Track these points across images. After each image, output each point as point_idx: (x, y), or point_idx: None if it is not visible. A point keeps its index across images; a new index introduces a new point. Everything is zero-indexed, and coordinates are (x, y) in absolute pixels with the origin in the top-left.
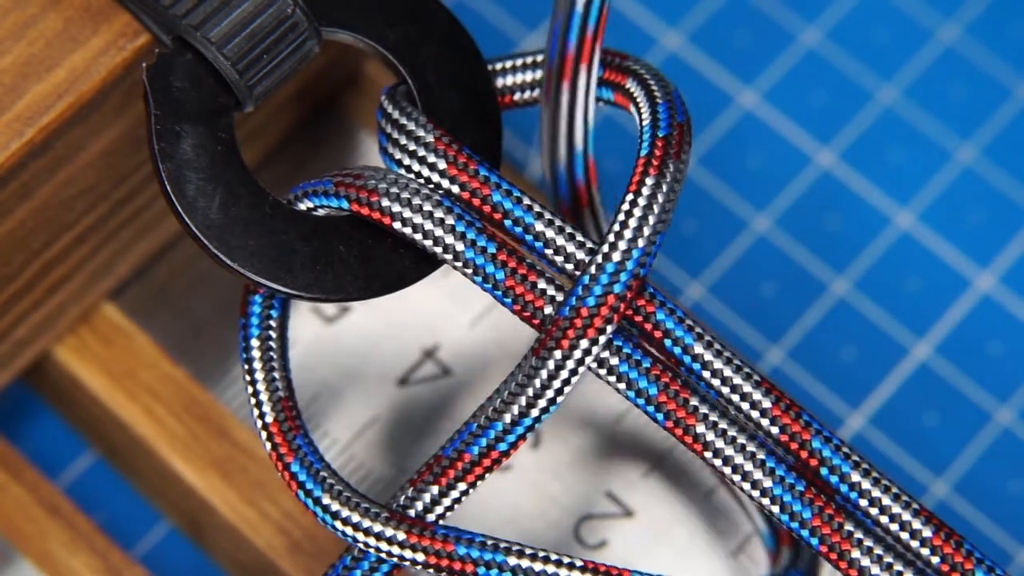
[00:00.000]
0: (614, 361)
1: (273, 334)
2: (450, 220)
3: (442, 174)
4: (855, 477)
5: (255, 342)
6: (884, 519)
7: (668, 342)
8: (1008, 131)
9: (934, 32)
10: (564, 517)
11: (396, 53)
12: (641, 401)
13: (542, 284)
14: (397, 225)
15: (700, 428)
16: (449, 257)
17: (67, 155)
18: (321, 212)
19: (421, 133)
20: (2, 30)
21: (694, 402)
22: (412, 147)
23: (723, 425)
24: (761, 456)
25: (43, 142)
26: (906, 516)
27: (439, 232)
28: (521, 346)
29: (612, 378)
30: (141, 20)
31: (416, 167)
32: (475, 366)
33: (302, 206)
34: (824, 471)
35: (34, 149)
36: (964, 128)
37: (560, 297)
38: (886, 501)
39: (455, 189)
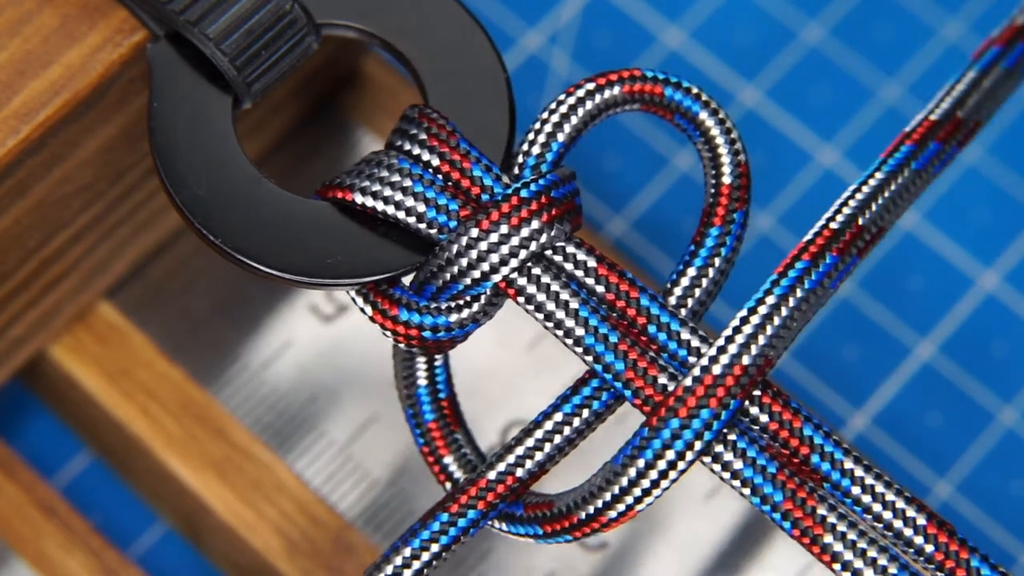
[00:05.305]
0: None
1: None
2: (444, 200)
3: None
4: (848, 464)
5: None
6: (877, 507)
7: (815, 457)
8: (1012, 129)
9: (937, 29)
10: None
11: (399, 41)
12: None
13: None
14: (379, 205)
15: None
16: (423, 227)
17: (63, 152)
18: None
19: (425, 122)
20: None
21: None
22: (412, 131)
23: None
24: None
25: (39, 139)
26: (900, 504)
27: (421, 208)
28: (521, 346)
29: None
30: (138, 16)
31: (416, 150)
32: (475, 366)
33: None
34: (815, 458)
35: (30, 146)
36: None
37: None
38: (879, 488)
39: (455, 176)
